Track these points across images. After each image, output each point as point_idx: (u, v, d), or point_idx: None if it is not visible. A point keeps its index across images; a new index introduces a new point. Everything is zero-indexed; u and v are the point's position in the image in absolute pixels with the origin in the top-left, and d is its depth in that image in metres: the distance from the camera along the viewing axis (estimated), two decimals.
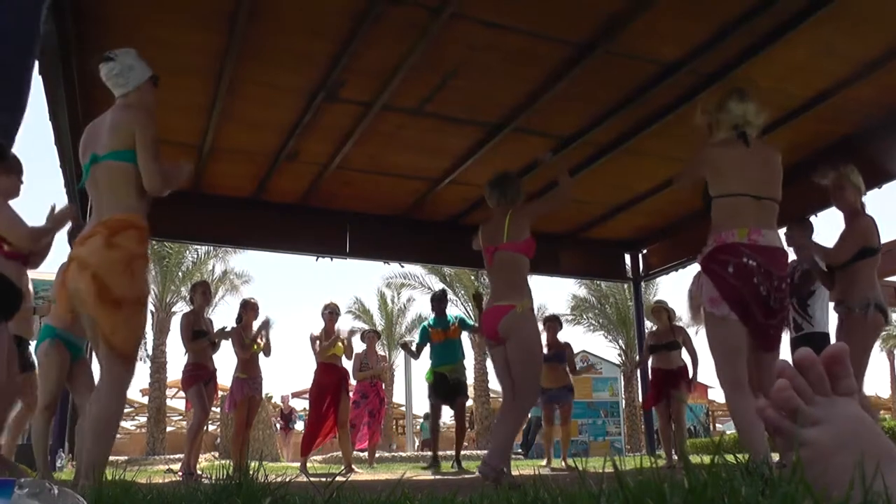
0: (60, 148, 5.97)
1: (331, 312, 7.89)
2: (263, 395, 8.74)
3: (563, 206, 5.00)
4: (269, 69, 5.22)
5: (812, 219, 5.73)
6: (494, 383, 19.42)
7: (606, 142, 6.52)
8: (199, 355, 7.05)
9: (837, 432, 0.72)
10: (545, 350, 8.32)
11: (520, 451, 12.99)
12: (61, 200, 4.39)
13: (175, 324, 16.10)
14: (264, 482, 1.76)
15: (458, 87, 5.48)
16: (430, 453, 8.70)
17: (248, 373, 7.38)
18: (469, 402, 21.30)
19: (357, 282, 65.07)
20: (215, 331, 7.20)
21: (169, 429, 19.68)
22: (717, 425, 24.85)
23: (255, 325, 7.48)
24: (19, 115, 1.18)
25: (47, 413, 5.12)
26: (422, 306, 29.26)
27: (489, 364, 18.09)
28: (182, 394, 9.00)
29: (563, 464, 8.52)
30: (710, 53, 5.02)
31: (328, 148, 6.53)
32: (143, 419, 18.68)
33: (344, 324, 8.57)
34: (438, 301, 8.23)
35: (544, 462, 8.97)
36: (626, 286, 17.01)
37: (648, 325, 9.12)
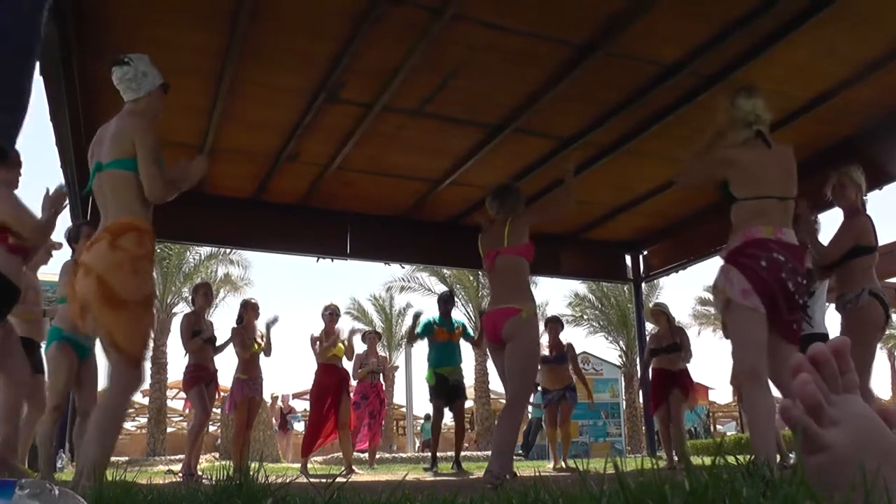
0: (61, 148, 5.97)
1: (331, 313, 7.89)
2: (270, 397, 8.76)
3: (565, 211, 5.03)
4: (269, 70, 5.22)
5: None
6: (494, 385, 19.44)
7: (607, 143, 6.52)
8: (200, 356, 7.04)
9: (854, 432, 0.70)
10: (547, 352, 8.39)
11: (520, 452, 12.99)
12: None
13: (175, 325, 16.12)
14: (265, 483, 1.76)
15: (458, 87, 5.48)
16: (430, 454, 8.70)
17: (249, 374, 7.38)
18: (469, 404, 21.39)
19: (357, 283, 65.14)
20: (217, 343, 7.20)
21: (169, 429, 19.68)
22: (718, 426, 24.85)
23: (259, 324, 7.50)
24: (20, 115, 1.18)
25: (55, 414, 5.13)
26: (422, 308, 29.16)
27: (489, 365, 18.12)
28: (182, 394, 9.00)
29: (563, 464, 8.54)
30: (710, 55, 5.02)
31: (329, 148, 6.53)
32: (143, 420, 18.69)
33: (344, 324, 8.55)
34: (445, 302, 8.21)
35: (550, 464, 8.96)
36: (626, 287, 17.01)
37: (649, 327, 9.12)
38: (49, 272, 6.97)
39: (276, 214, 7.79)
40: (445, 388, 7.85)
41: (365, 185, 7.41)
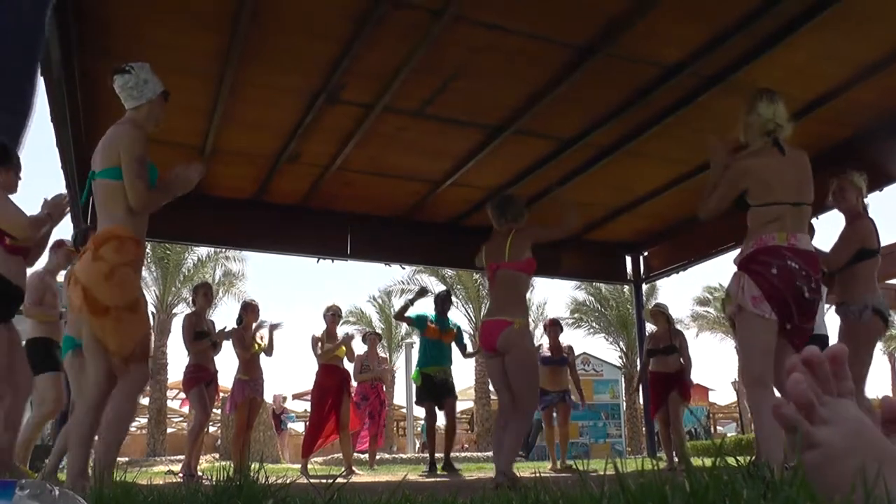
0: (61, 149, 5.97)
1: (333, 314, 7.90)
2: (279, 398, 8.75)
3: (568, 233, 5.18)
4: (270, 71, 5.22)
5: (812, 221, 5.73)
6: None
7: (607, 144, 6.52)
8: (201, 357, 7.05)
9: (844, 434, 0.72)
10: (547, 353, 8.41)
11: (521, 453, 12.98)
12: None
13: (176, 325, 16.12)
14: (265, 484, 1.76)
15: (459, 89, 5.48)
16: (426, 455, 8.70)
17: (249, 374, 7.38)
18: (470, 405, 21.39)
19: (357, 283, 65.10)
20: (218, 332, 7.21)
21: (169, 430, 19.69)
22: (718, 428, 24.85)
23: (263, 328, 7.51)
24: (24, 116, 1.18)
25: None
26: (422, 309, 29.16)
27: None
28: (183, 395, 9.00)
29: (561, 465, 8.56)
30: (711, 56, 5.02)
31: (329, 149, 6.53)
32: (143, 420, 18.68)
33: (344, 327, 8.55)
34: (443, 300, 8.20)
35: (549, 465, 8.97)
36: (626, 288, 17.02)
37: (649, 328, 9.12)
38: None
39: (276, 215, 7.79)
40: (432, 388, 7.84)
41: (365, 186, 7.40)
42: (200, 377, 6.98)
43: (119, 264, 3.22)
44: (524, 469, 7.21)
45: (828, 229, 4.81)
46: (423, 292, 8.18)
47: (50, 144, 5.95)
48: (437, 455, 8.08)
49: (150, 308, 14.53)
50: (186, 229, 7.57)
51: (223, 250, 18.09)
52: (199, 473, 6.82)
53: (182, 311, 17.14)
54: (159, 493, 1.95)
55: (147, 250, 3.84)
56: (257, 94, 5.56)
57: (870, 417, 0.74)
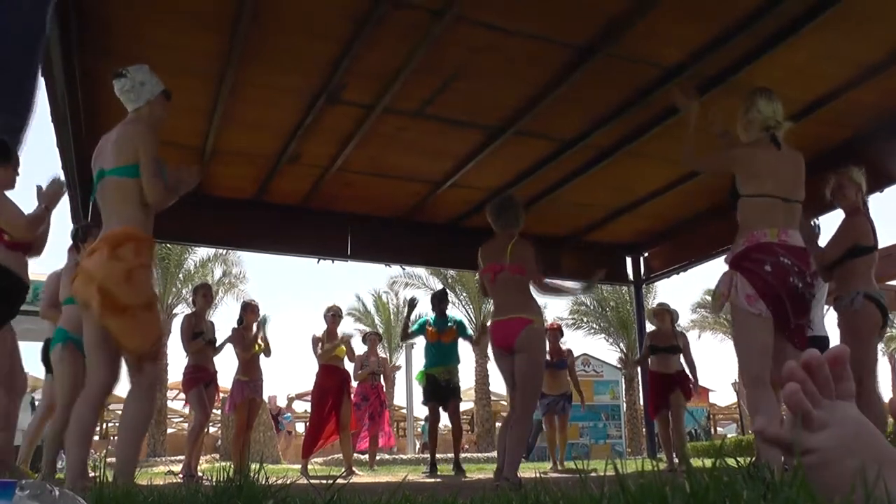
0: (62, 149, 5.98)
1: (333, 315, 7.89)
2: (286, 398, 8.75)
3: (545, 292, 5.10)
4: (270, 71, 5.22)
5: (816, 221, 5.72)
6: (495, 386, 19.42)
7: (608, 145, 6.52)
8: (200, 357, 7.05)
9: (842, 436, 0.72)
10: (547, 357, 8.41)
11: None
12: (61, 200, 4.40)
13: (176, 326, 16.10)
14: (265, 484, 1.76)
15: (459, 89, 5.48)
16: (426, 456, 8.70)
17: (249, 375, 7.38)
18: (470, 406, 21.37)
19: (358, 284, 65.08)
20: (218, 342, 7.21)
21: (170, 430, 19.68)
22: (718, 429, 24.84)
23: (269, 329, 7.52)
24: (25, 116, 1.18)
25: (67, 414, 5.15)
26: (422, 308, 29.23)
27: (490, 367, 18.11)
28: (183, 395, 8.99)
29: (560, 466, 8.60)
30: (711, 56, 5.02)
31: (329, 150, 6.53)
32: None
33: (345, 326, 8.54)
34: (439, 301, 8.17)
35: (549, 466, 9.00)
36: (626, 289, 17.01)
37: (649, 329, 9.11)
38: (45, 273, 6.94)
39: (276, 215, 7.79)
40: (437, 390, 7.82)
41: (366, 187, 7.41)
42: (199, 377, 6.98)
43: (137, 266, 3.28)
44: (525, 469, 7.20)
45: (828, 230, 4.79)
46: (412, 304, 8.16)
47: (50, 144, 5.96)
48: (438, 456, 8.08)
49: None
50: (187, 229, 7.57)
51: (224, 251, 18.09)
52: (200, 474, 6.82)
53: (183, 311, 17.14)
54: (159, 493, 1.95)
55: None
56: (257, 95, 5.56)
57: (880, 410, 0.75)
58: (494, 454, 12.75)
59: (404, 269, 17.73)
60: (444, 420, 8.23)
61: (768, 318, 3.31)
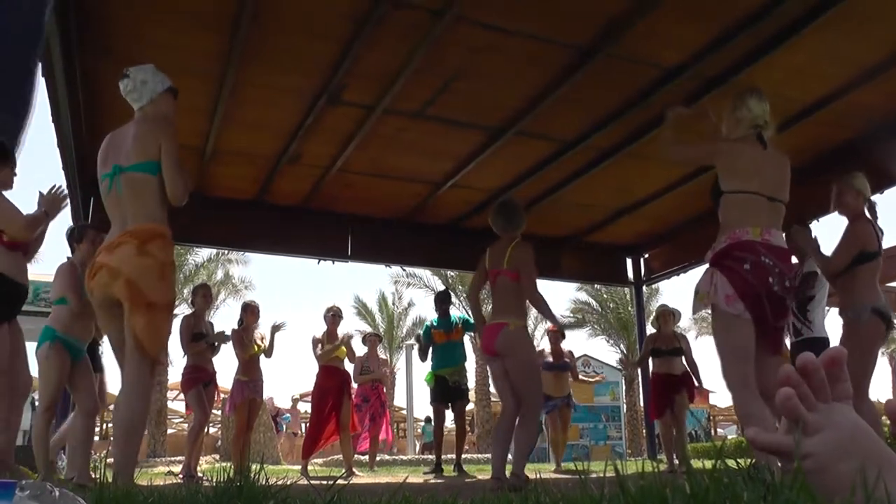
0: (63, 149, 5.98)
1: (333, 315, 7.88)
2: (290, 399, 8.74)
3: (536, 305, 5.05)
4: (271, 71, 5.22)
5: (812, 224, 5.72)
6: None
7: (608, 145, 6.52)
8: (199, 357, 7.06)
9: (838, 439, 0.72)
10: (549, 359, 8.44)
11: None
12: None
13: (176, 326, 16.09)
14: (265, 485, 1.76)
15: (459, 90, 5.48)
16: (430, 456, 8.70)
17: (249, 375, 7.38)
18: (470, 406, 21.35)
19: (358, 284, 65.06)
20: (214, 334, 7.21)
21: (170, 431, 19.67)
22: (719, 430, 24.82)
23: (264, 329, 7.52)
24: (24, 116, 1.18)
25: (48, 415, 5.13)
26: (423, 308, 29.35)
27: None
28: (183, 396, 9.00)
29: (559, 467, 8.63)
30: (711, 57, 5.01)
31: (330, 150, 6.53)
32: None
33: (346, 327, 8.53)
34: (441, 301, 8.19)
35: (552, 467, 9.03)
36: (627, 290, 17.02)
37: (650, 330, 9.12)
38: (44, 273, 6.94)
39: (277, 216, 7.79)
40: (445, 390, 7.83)
41: (366, 188, 7.41)
42: (199, 378, 6.98)
43: (166, 263, 3.32)
44: (525, 470, 7.20)
45: (828, 232, 4.81)
46: (419, 339, 8.25)
47: (51, 144, 5.96)
48: (426, 456, 8.08)
49: None
50: (187, 230, 7.55)
51: (225, 252, 18.10)
52: (200, 474, 6.82)
53: (184, 311, 17.14)
54: (160, 493, 1.95)
55: None
56: (258, 95, 5.56)
57: (872, 419, 0.75)
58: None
59: (405, 269, 17.79)
60: (451, 422, 8.22)
61: (748, 320, 3.21)
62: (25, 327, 4.73)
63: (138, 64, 3.61)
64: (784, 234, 3.47)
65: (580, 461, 10.77)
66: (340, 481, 1.77)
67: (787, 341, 5.16)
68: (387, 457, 13.09)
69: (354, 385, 8.78)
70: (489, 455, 12.63)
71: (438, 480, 6.71)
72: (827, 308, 5.43)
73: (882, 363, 25.32)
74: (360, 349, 9.11)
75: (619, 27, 4.70)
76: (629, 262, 10.00)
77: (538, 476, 4.38)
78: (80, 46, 4.85)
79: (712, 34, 4.83)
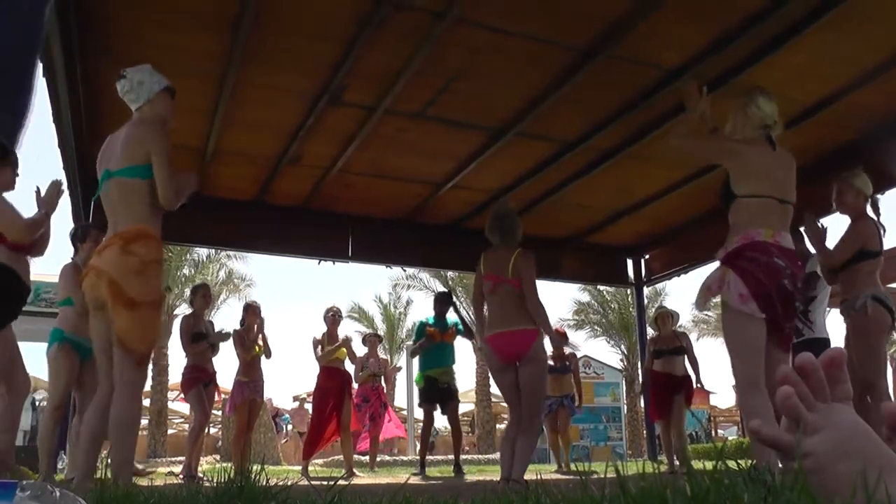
0: (63, 150, 5.98)
1: (333, 315, 7.88)
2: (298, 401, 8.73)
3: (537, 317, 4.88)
4: (271, 72, 5.23)
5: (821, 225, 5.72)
6: (496, 388, 19.37)
7: (609, 147, 6.51)
8: (199, 358, 7.06)
9: (838, 439, 0.72)
10: (552, 362, 8.48)
11: None
12: (62, 200, 4.42)
13: (177, 327, 16.11)
14: (266, 485, 1.76)
15: (460, 91, 5.48)
16: (430, 457, 8.70)
17: (249, 376, 7.38)
18: (471, 407, 21.36)
19: (359, 285, 65.07)
20: (215, 333, 7.22)
21: (170, 431, 19.69)
22: (719, 431, 24.82)
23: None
24: (23, 115, 1.18)
25: (56, 414, 5.16)
26: (423, 310, 29.37)
27: None
28: (183, 396, 9.01)
29: (565, 467, 8.63)
30: (712, 58, 5.01)
31: (331, 151, 6.53)
32: (144, 421, 18.68)
33: (346, 328, 8.54)
34: (442, 302, 8.14)
35: (554, 468, 9.05)
36: (628, 291, 17.02)
37: (651, 331, 9.13)
38: (45, 273, 6.93)
39: (277, 216, 7.79)
40: (435, 391, 7.82)
41: (367, 188, 7.41)
42: (199, 378, 6.98)
43: (150, 261, 3.31)
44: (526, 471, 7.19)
45: (829, 232, 4.80)
46: (415, 354, 8.29)
47: (51, 144, 5.97)
48: (439, 457, 8.08)
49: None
50: (187, 230, 7.56)
51: (226, 252, 18.11)
52: (200, 475, 6.82)
53: (183, 312, 17.15)
54: (160, 494, 1.95)
55: None
56: (259, 96, 5.57)
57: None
58: (494, 455, 12.76)
59: (405, 270, 17.79)
60: (443, 421, 8.22)
61: (760, 319, 3.24)
62: (25, 327, 4.75)
63: (139, 64, 3.61)
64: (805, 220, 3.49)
65: (581, 462, 10.78)
66: (341, 482, 1.77)
67: None
68: (387, 457, 13.10)
69: (355, 385, 8.78)
70: (490, 456, 12.65)
71: (438, 481, 6.70)
72: (828, 309, 5.42)
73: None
74: (360, 350, 9.12)
75: (619, 28, 4.70)
76: (630, 262, 10.00)
77: (539, 477, 4.38)
78: (81, 46, 4.85)
79: (713, 35, 4.83)
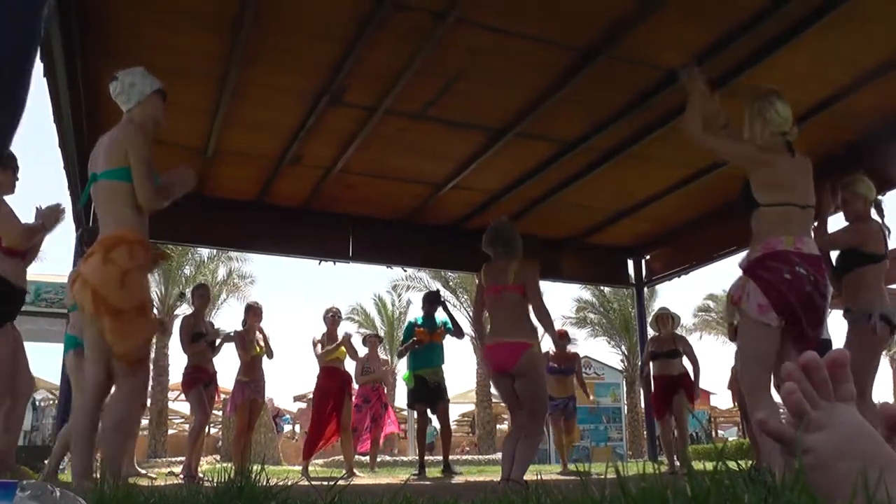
0: (64, 150, 5.99)
1: (333, 316, 7.88)
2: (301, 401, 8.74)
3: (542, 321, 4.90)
4: (272, 72, 5.23)
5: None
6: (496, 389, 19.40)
7: (609, 147, 6.51)
8: (199, 358, 7.06)
9: (839, 438, 0.72)
10: (555, 364, 8.49)
11: None
12: (63, 202, 4.45)
13: (177, 327, 16.12)
14: (266, 485, 1.76)
15: (461, 91, 5.48)
16: (430, 457, 8.69)
17: (250, 376, 7.38)
18: (471, 408, 21.36)
19: (359, 285, 65.06)
20: (218, 334, 7.22)
21: (170, 431, 19.69)
22: (719, 431, 24.82)
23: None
24: (17, 114, 1.18)
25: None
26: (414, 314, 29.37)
27: None
28: (183, 396, 9.03)
29: (564, 468, 8.64)
30: (713, 59, 5.01)
31: (331, 151, 6.53)
32: (144, 422, 18.69)
33: (345, 328, 8.53)
34: (430, 302, 8.08)
35: (559, 468, 9.06)
36: (628, 292, 17.03)
37: (650, 333, 9.14)
38: (45, 273, 6.94)
39: (278, 217, 7.79)
40: (425, 391, 7.80)
41: (367, 189, 7.41)
42: (199, 378, 6.98)
43: (129, 269, 3.27)
44: (526, 472, 7.19)
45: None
46: (402, 355, 8.29)
47: (52, 144, 5.97)
48: (427, 458, 8.07)
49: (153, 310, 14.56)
50: (188, 230, 7.59)
51: (226, 252, 18.12)
52: (200, 475, 6.82)
53: (184, 312, 17.16)
54: (160, 494, 1.95)
55: None
56: (259, 96, 5.57)
57: (874, 421, 0.74)
58: (495, 456, 12.76)
59: (405, 270, 17.78)
60: (436, 423, 8.22)
61: (777, 329, 3.27)
62: (26, 327, 4.76)
63: (139, 64, 3.61)
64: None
65: (581, 462, 10.78)
66: (341, 482, 1.77)
67: None
68: (387, 458, 13.10)
69: (355, 385, 8.78)
70: (490, 456, 12.65)
71: (438, 482, 6.70)
72: (829, 309, 5.41)
73: (884, 364, 25.30)
74: (360, 350, 9.12)
75: (620, 29, 4.70)
76: (630, 263, 10.00)
77: (539, 477, 4.38)
78: (82, 47, 4.85)
79: (713, 36, 4.83)
